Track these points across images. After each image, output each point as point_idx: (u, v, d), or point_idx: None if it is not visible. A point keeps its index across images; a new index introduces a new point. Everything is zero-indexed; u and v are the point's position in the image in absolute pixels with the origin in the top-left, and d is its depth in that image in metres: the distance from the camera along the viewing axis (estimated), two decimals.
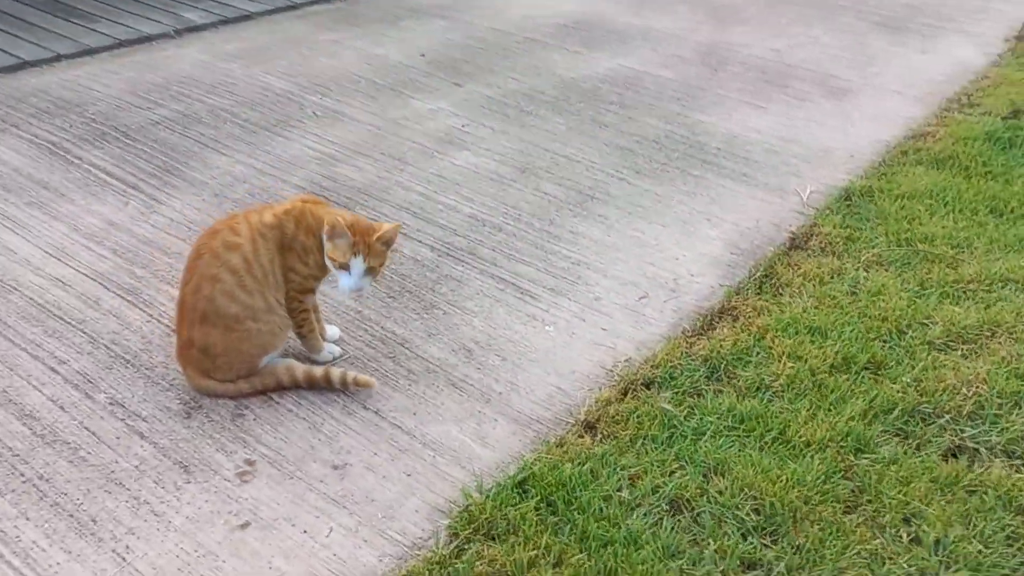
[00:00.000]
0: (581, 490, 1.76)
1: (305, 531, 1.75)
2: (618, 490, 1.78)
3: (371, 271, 2.02)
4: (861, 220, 2.79)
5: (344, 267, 2.00)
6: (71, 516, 1.76)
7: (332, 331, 2.26)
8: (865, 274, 2.51)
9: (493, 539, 1.70)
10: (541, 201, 2.96)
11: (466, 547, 1.68)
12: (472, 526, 1.72)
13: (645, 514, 1.74)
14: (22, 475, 1.85)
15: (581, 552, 1.65)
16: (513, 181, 3.09)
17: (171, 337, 2.21)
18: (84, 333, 2.27)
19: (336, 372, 2.08)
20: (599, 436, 1.93)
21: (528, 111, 3.66)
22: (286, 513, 1.79)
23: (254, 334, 2.02)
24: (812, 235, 2.73)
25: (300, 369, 2.09)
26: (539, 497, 1.76)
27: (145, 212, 2.86)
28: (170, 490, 1.83)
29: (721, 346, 2.21)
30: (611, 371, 2.18)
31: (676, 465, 1.83)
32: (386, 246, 2.03)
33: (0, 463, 1.87)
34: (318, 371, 2.08)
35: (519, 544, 1.67)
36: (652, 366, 2.15)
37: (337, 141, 3.37)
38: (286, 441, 1.95)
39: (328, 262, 2.02)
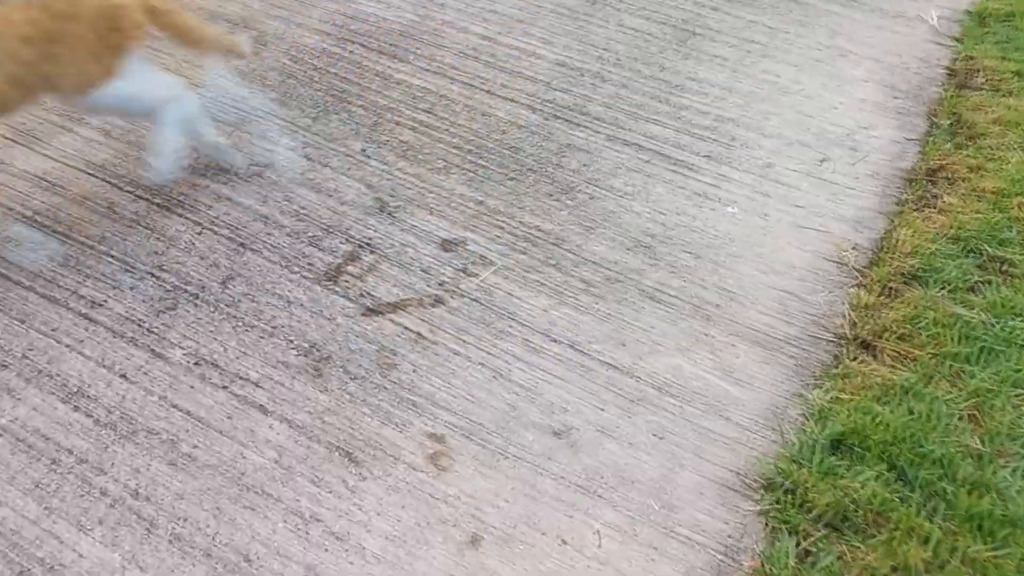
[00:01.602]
0: (924, 443, 1.28)
1: (563, 541, 1.20)
2: (959, 440, 1.28)
3: None
4: (1018, 49, 2.30)
5: None
6: (207, 555, 1.16)
7: None
8: None
9: (846, 531, 1.19)
10: (635, 40, 2.31)
11: (815, 549, 1.17)
12: (802, 512, 1.21)
13: (1014, 471, 1.26)
14: (91, 488, 1.23)
15: (980, 543, 1.16)
16: (588, 16, 2.40)
17: (231, 246, 1.55)
18: (102, 252, 1.56)
19: None
20: (886, 359, 1.44)
21: None
22: (522, 513, 1.23)
23: None
24: (973, 71, 2.23)
25: None
26: (879, 460, 1.25)
27: None
28: (342, 495, 1.23)
29: (961, 222, 1.70)
30: (841, 263, 1.68)
31: (1014, 393, 1.38)
32: None
33: (53, 470, 1.23)
34: None
35: (897, 540, 1.16)
36: (902, 255, 1.64)
37: None
38: (471, 399, 1.36)
39: None
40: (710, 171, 1.87)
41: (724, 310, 1.55)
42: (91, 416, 1.31)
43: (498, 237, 1.67)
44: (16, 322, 1.45)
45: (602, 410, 1.36)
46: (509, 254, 1.64)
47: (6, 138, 1.81)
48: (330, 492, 1.23)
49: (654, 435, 1.33)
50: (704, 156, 1.91)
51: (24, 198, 1.68)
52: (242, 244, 1.62)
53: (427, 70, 2.12)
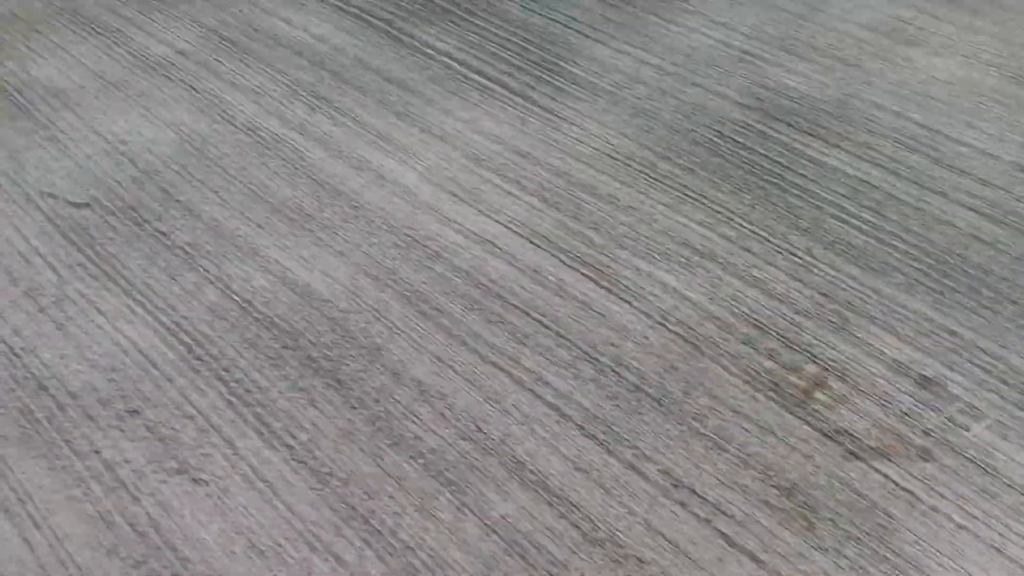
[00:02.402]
0: None
1: None
2: None
3: None
4: None
5: None
6: None
7: None
8: None
9: None
10: None
11: None
12: None
13: None
14: None
15: None
16: None
17: (687, 348, 1.44)
18: (556, 334, 1.52)
19: None
20: None
21: None
22: None
23: None
24: None
25: None
26: None
27: (541, 127, 2.03)
28: None
29: None
30: None
31: None
32: None
33: None
34: None
35: None
36: None
37: (743, 27, 2.39)
38: None
39: None
40: None
41: None
42: (578, 528, 1.25)
43: (984, 382, 1.45)
44: (491, 401, 1.43)
45: None
46: (1003, 406, 1.42)
47: (454, 195, 1.83)
48: None
49: None
50: None
51: (475, 260, 1.68)
52: (697, 347, 1.52)
53: (864, 159, 1.94)
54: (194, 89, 2.10)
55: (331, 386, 1.44)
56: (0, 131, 1.96)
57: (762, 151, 1.95)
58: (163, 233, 1.71)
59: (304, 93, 2.10)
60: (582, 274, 1.65)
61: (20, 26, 2.32)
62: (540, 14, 2.45)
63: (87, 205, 1.75)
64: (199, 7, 2.42)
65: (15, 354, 1.48)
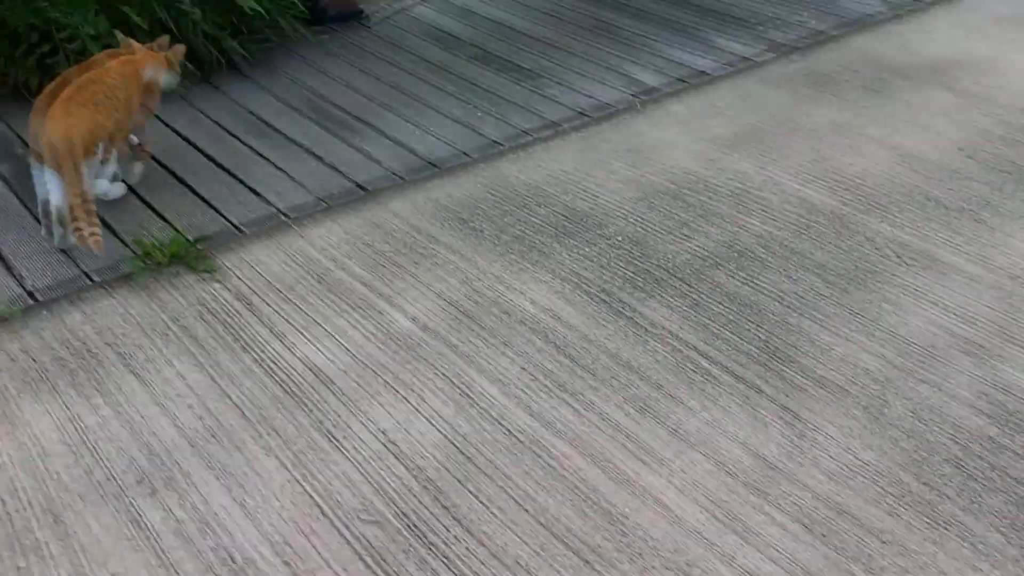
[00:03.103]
0: None
1: None
2: None
3: None
4: None
5: None
6: None
7: None
8: None
9: None
10: None
11: None
12: None
13: None
14: None
15: None
16: None
17: None
18: None
19: None
20: None
21: None
22: None
23: None
24: None
25: None
26: None
27: (784, 432, 2.05)
28: None
29: None
30: None
31: None
32: None
33: None
34: None
35: None
36: None
37: (969, 311, 2.40)
38: None
39: None
40: None
41: None
42: None
43: None
44: None
45: None
46: None
47: (715, 518, 1.86)
48: None
49: None
50: None
51: None
52: None
53: None
54: (444, 374, 2.22)
55: None
56: (278, 420, 2.09)
57: (1013, 476, 1.94)
58: (447, 559, 1.79)
59: (546, 381, 2.19)
60: None
61: (272, 294, 2.50)
62: (750, 285, 2.53)
63: (375, 522, 1.85)
64: (435, 274, 2.58)
65: None
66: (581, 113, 3.45)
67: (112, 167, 2.78)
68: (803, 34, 4.18)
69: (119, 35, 2.83)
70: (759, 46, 4.05)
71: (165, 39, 2.85)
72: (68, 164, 2.44)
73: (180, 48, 2.87)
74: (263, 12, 3.43)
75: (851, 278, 2.56)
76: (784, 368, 2.24)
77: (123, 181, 2.85)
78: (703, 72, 3.81)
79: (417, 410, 2.11)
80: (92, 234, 2.44)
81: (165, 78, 2.84)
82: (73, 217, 2.47)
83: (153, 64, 2.78)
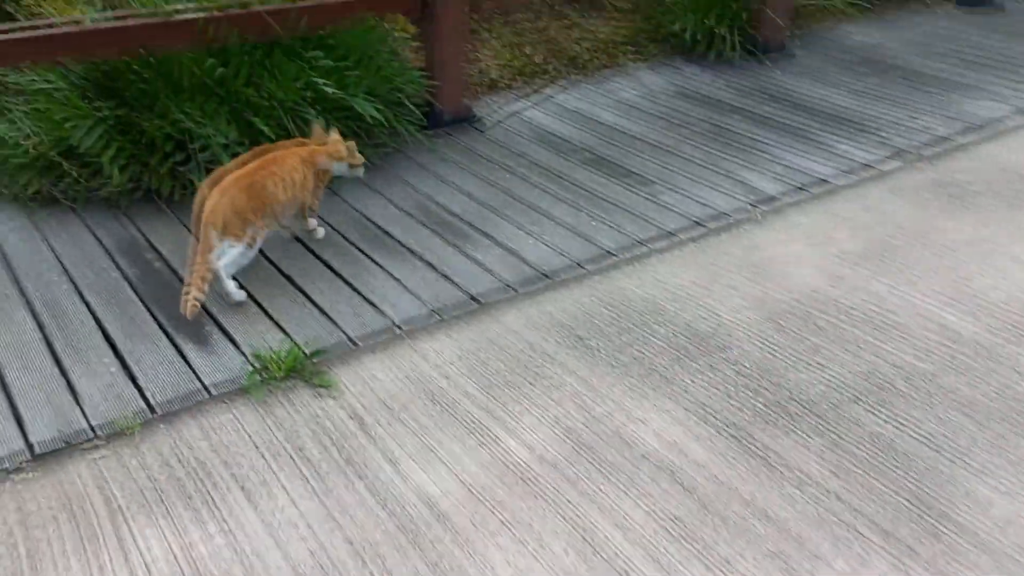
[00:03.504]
0: None
1: None
2: None
3: None
4: None
5: None
6: None
7: None
8: None
9: None
10: None
11: None
12: None
13: None
14: None
15: None
16: None
17: None
18: None
19: None
20: None
21: None
22: None
23: None
24: None
25: None
26: None
27: None
28: None
29: None
30: None
31: None
32: None
33: None
34: None
35: None
36: None
37: None
38: None
39: None
40: None
41: None
42: None
43: None
44: None
45: None
46: None
47: None
48: None
49: None
50: None
51: None
52: None
53: None
54: (564, 516, 2.07)
55: None
56: (392, 560, 1.96)
57: None
58: None
59: (675, 530, 2.03)
60: None
61: (382, 412, 2.43)
62: (893, 424, 2.32)
63: None
64: (551, 397, 2.46)
65: None
66: (697, 223, 3.34)
67: (241, 262, 2.87)
68: (927, 140, 4.00)
69: (316, 125, 3.11)
70: (881, 152, 3.89)
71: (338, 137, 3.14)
72: (211, 232, 2.70)
73: (352, 144, 3.12)
74: (383, 121, 3.47)
75: (1006, 420, 2.32)
76: (939, 526, 2.01)
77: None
78: (824, 180, 3.66)
79: (536, 557, 1.97)
80: (194, 298, 2.66)
81: (337, 166, 3.10)
82: (190, 280, 2.69)
83: (327, 154, 3.07)
